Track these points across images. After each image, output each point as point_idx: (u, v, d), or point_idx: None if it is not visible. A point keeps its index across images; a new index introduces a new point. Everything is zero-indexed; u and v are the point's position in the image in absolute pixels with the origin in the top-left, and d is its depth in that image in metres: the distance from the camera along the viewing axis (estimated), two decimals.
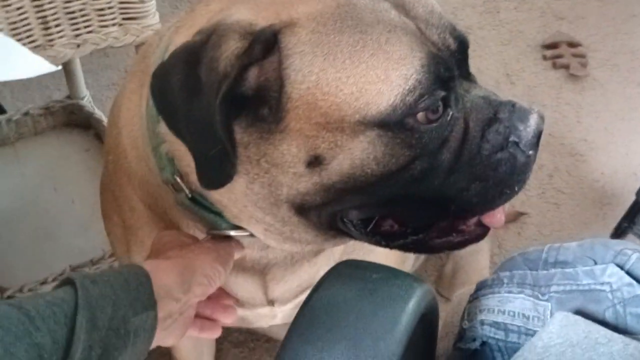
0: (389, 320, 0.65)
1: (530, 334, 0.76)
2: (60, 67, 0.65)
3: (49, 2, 1.09)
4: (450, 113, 0.72)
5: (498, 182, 0.73)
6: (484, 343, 0.81)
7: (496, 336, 0.79)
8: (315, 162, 0.71)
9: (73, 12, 1.13)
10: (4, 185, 1.55)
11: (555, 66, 2.19)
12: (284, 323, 1.04)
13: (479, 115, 0.73)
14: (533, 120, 0.73)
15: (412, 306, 0.64)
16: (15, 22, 1.08)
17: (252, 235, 0.82)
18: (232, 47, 0.68)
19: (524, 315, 0.77)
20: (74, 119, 1.66)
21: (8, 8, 1.06)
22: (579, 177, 1.89)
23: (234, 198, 0.77)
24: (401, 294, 0.64)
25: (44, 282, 1.31)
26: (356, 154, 0.70)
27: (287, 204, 0.75)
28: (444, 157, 0.72)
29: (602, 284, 0.75)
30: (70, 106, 1.65)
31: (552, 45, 2.24)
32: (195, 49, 0.70)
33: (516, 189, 0.75)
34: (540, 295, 0.77)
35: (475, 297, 0.83)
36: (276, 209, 0.76)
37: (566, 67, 2.17)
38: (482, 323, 0.79)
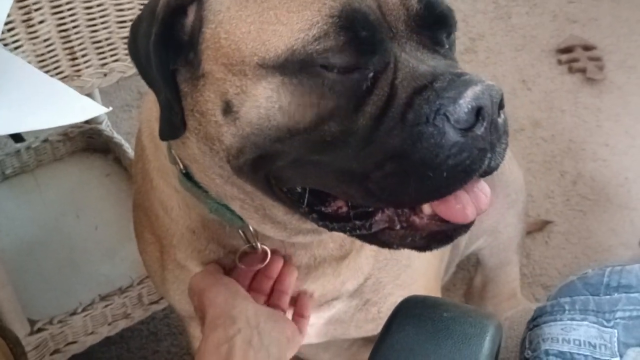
0: None
1: None
2: (110, 109, 0.64)
3: (76, 33, 1.08)
4: (370, 73, 0.64)
5: (419, 163, 0.62)
6: None
7: None
8: (228, 109, 0.69)
9: (99, 42, 1.11)
10: (26, 213, 1.53)
11: (571, 70, 2.18)
12: (318, 343, 1.03)
13: (412, 83, 0.63)
14: (471, 92, 0.61)
15: (487, 345, 0.62)
16: (42, 54, 1.07)
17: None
18: None
19: (590, 343, 0.74)
20: (93, 144, 1.65)
21: (35, 40, 1.05)
22: (603, 183, 1.87)
23: (199, 167, 0.77)
24: (475, 333, 0.62)
25: (73, 313, 1.30)
26: (261, 102, 0.67)
27: (227, 164, 0.73)
28: (360, 122, 0.64)
29: None
30: (89, 131, 1.64)
31: (567, 50, 2.23)
32: None
33: (445, 174, 0.61)
34: (605, 322, 0.75)
35: (535, 324, 0.80)
36: (225, 173, 0.75)
37: (582, 71, 2.16)
38: (547, 353, 0.76)
